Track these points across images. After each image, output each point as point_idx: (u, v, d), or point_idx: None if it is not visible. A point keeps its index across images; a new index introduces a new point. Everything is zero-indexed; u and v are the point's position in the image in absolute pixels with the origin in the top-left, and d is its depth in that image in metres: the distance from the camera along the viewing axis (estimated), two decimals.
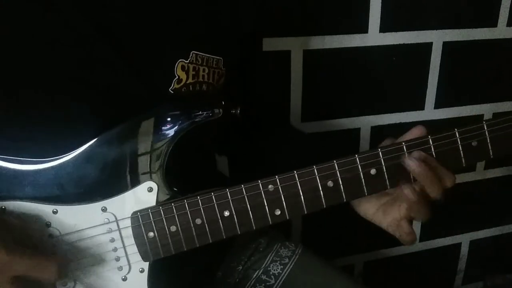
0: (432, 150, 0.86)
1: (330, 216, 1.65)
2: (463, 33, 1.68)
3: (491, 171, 1.99)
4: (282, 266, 1.15)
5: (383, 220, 0.93)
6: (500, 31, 1.71)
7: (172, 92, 0.90)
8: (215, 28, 0.96)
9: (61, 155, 0.82)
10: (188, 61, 0.91)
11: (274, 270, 1.15)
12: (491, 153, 0.88)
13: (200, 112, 0.84)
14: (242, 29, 1.02)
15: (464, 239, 2.12)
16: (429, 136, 0.86)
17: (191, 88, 0.92)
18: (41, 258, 0.76)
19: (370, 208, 0.96)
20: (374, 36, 1.61)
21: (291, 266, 1.15)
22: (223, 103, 0.86)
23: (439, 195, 0.88)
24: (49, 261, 0.76)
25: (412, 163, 0.85)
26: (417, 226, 1.99)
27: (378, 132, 1.72)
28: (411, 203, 0.88)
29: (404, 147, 0.86)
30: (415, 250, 2.04)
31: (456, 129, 0.86)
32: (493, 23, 1.70)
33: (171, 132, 0.84)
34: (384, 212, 0.94)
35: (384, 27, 1.60)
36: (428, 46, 1.67)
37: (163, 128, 0.84)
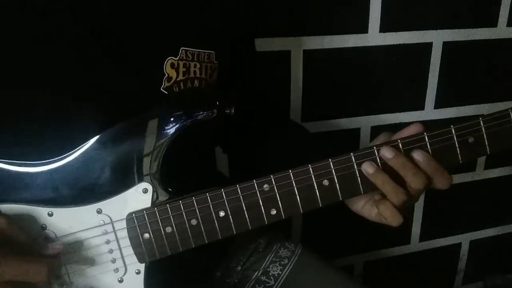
0: (428, 147, 0.85)
1: (330, 216, 1.66)
2: (463, 33, 1.68)
3: (491, 171, 1.99)
4: (281, 267, 1.15)
5: (371, 212, 0.93)
6: (500, 31, 1.71)
7: (163, 90, 0.90)
8: (204, 22, 0.95)
9: (56, 157, 0.82)
10: (177, 58, 0.91)
11: (274, 271, 1.14)
12: (488, 149, 0.86)
13: (193, 115, 0.84)
14: (233, 20, 1.02)
15: (464, 239, 2.12)
16: (425, 133, 0.85)
17: (182, 86, 0.92)
18: (31, 264, 0.74)
19: (359, 202, 0.95)
20: (374, 36, 1.61)
21: (291, 267, 1.15)
22: (217, 103, 0.85)
23: (400, 202, 0.86)
24: (39, 265, 0.74)
25: (368, 169, 0.85)
26: (417, 226, 2.00)
27: (378, 132, 1.70)
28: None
29: (400, 144, 0.85)
30: (415, 250, 2.04)
31: (452, 126, 0.85)
32: (493, 23, 1.70)
33: (165, 134, 0.83)
34: (372, 205, 0.92)
35: (384, 27, 1.60)
36: (428, 46, 1.67)
37: (157, 131, 0.83)
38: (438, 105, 1.76)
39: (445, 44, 1.68)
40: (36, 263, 0.74)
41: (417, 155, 0.84)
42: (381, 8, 1.57)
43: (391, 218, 0.87)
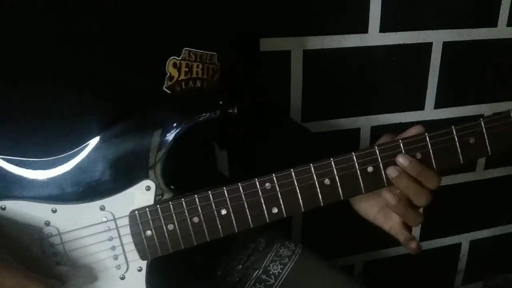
0: (429, 147, 0.85)
1: (330, 215, 1.66)
2: (463, 33, 1.68)
3: (491, 171, 1.99)
4: (282, 266, 1.15)
5: (385, 224, 0.94)
6: (500, 31, 1.71)
7: (166, 89, 0.91)
8: (208, 24, 0.96)
9: (60, 154, 0.82)
10: (180, 58, 0.91)
11: (274, 270, 1.15)
12: (489, 150, 0.87)
13: (198, 114, 0.85)
14: (237, 23, 1.02)
15: (464, 239, 2.11)
16: (426, 134, 0.86)
17: (183, 85, 0.93)
18: (32, 281, 0.71)
19: (371, 210, 0.96)
20: (374, 36, 1.61)
21: (291, 266, 1.16)
22: (220, 103, 0.86)
23: (426, 203, 0.87)
24: (40, 283, 0.71)
25: (393, 173, 0.85)
26: (417, 226, 1.99)
27: (378, 132, 1.71)
28: (396, 209, 0.88)
29: (401, 144, 0.85)
30: None
31: (453, 126, 0.85)
32: (493, 23, 1.70)
33: (168, 133, 0.84)
34: (385, 215, 0.93)
35: (384, 27, 1.60)
36: (428, 46, 1.67)
37: (160, 129, 0.84)
38: (438, 105, 1.76)
39: (445, 44, 1.68)
40: (36, 282, 0.71)
41: (402, 159, 0.85)
42: (381, 8, 1.57)
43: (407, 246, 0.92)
